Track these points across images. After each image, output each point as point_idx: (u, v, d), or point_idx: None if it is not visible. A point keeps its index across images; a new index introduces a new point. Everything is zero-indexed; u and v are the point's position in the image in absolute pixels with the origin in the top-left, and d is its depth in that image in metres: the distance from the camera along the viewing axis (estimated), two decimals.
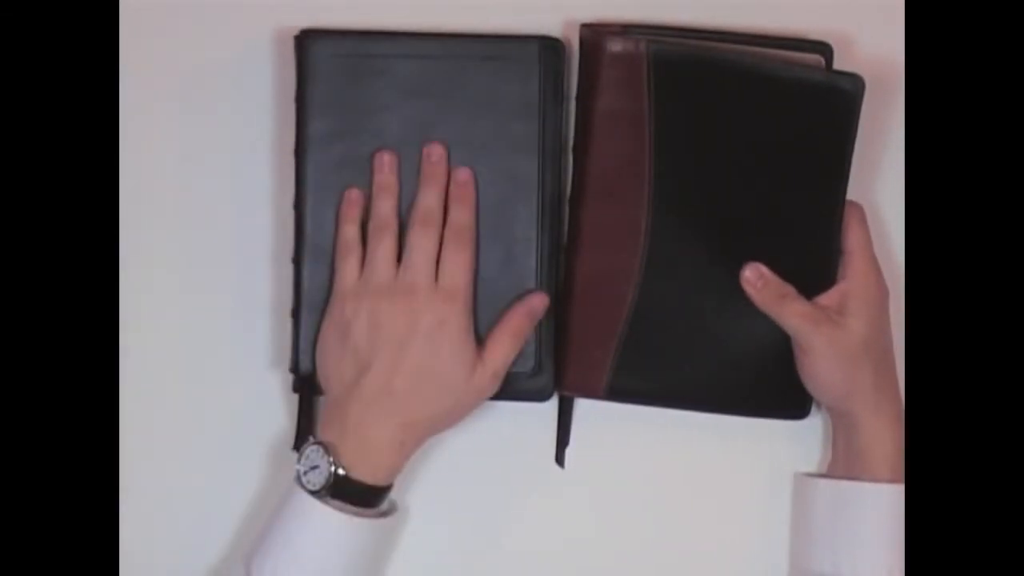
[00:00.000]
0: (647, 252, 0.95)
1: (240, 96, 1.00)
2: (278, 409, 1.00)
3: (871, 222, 0.98)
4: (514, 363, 0.95)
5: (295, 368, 0.96)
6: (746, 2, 0.99)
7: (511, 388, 0.97)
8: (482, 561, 1.01)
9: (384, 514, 0.94)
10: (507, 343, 0.94)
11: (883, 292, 0.97)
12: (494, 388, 0.94)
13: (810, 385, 0.96)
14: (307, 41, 0.95)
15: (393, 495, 0.95)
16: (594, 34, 0.95)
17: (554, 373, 0.97)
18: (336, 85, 0.95)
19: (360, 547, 0.92)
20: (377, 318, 0.92)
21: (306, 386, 0.97)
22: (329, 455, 0.91)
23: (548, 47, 0.96)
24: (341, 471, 0.91)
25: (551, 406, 0.99)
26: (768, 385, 0.98)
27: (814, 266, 0.96)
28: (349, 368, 0.93)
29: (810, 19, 0.99)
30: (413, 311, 0.92)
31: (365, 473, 0.92)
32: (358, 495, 0.92)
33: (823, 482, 0.98)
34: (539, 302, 0.95)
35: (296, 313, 0.96)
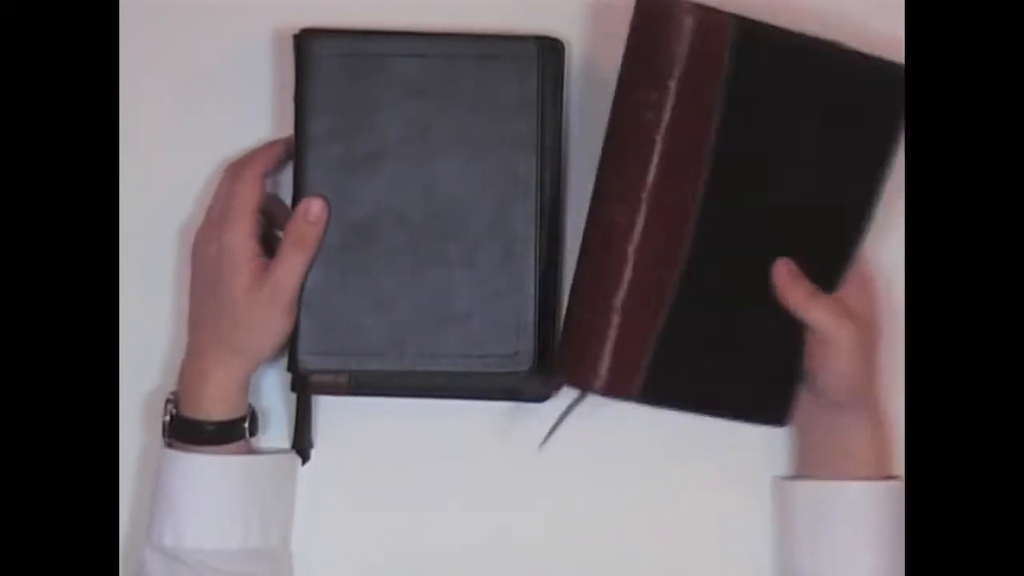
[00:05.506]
0: (695, 242, 0.92)
1: (239, 95, 1.00)
2: (276, 407, 1.00)
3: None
4: (512, 363, 0.95)
5: (293, 367, 0.96)
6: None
7: (511, 388, 0.97)
8: (478, 559, 1.01)
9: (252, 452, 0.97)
10: (287, 257, 0.93)
11: (874, 301, 0.98)
12: (284, 300, 0.93)
13: (830, 382, 0.95)
14: (306, 40, 0.95)
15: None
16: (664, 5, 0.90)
17: (563, 366, 0.94)
18: (335, 84, 0.95)
19: (221, 482, 0.94)
20: (192, 270, 0.97)
21: (304, 385, 0.98)
22: (169, 409, 0.95)
23: (547, 47, 0.96)
24: (173, 412, 0.95)
25: (548, 405, 0.98)
26: (758, 389, 0.96)
27: (833, 267, 0.96)
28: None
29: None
30: (200, 246, 0.95)
31: (192, 410, 0.94)
32: (193, 433, 0.94)
33: (804, 484, 0.98)
34: (316, 204, 0.94)
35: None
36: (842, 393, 0.96)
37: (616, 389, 0.93)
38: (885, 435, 0.97)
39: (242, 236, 0.93)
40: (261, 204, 0.95)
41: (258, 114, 1.00)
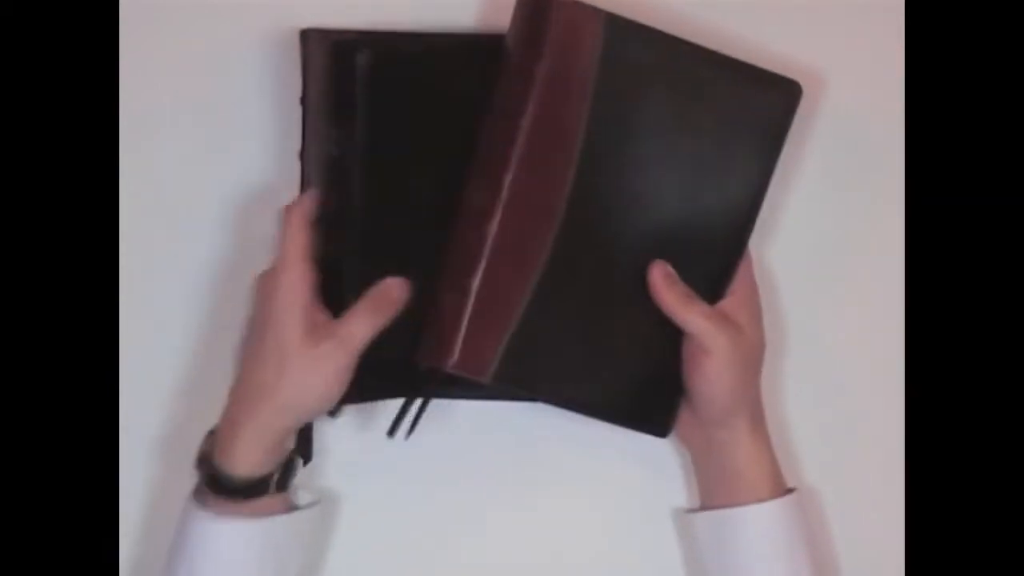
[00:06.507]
0: (561, 234, 0.92)
1: (240, 96, 0.99)
2: None
3: (866, 219, 0.99)
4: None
5: None
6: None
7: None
8: (485, 558, 1.01)
9: (278, 511, 0.93)
10: (362, 315, 0.91)
11: (761, 312, 0.96)
12: (346, 358, 0.90)
13: (704, 391, 0.93)
14: (341, 45, 0.92)
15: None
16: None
17: (420, 347, 0.93)
18: (376, 92, 0.91)
19: (242, 548, 0.91)
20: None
21: None
22: (203, 448, 0.92)
23: None
24: (207, 454, 0.92)
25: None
26: (638, 394, 0.95)
27: (713, 274, 0.94)
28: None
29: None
30: (259, 293, 0.92)
31: (223, 461, 0.91)
32: (220, 484, 0.91)
33: (704, 516, 0.97)
34: (395, 284, 0.93)
35: None
36: (715, 405, 0.94)
37: (469, 367, 0.91)
38: (770, 449, 0.95)
39: (296, 280, 0.90)
40: (311, 251, 0.92)
41: (259, 115, 0.99)
